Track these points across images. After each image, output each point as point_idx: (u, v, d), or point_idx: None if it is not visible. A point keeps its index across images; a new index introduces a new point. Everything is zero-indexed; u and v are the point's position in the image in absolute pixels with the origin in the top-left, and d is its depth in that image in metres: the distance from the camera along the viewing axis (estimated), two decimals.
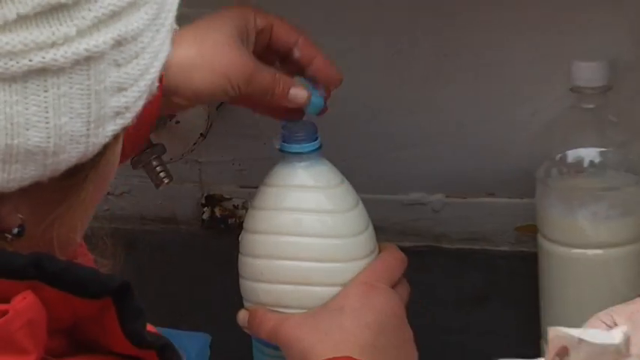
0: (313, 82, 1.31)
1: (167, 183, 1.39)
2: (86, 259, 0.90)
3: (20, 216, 0.77)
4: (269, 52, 1.32)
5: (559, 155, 1.40)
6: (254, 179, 1.36)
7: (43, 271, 0.75)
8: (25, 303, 0.74)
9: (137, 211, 1.60)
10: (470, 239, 1.62)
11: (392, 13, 1.50)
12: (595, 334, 0.94)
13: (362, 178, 1.38)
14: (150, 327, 0.84)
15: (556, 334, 0.93)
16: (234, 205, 1.56)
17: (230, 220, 1.50)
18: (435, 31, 1.50)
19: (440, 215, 1.62)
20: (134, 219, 1.61)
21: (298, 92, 1.30)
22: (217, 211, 1.62)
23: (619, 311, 1.00)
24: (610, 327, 0.98)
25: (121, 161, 1.26)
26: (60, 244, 0.81)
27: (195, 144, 1.41)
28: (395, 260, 1.33)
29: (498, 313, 1.51)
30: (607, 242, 1.38)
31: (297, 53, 1.31)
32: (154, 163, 1.36)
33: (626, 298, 1.31)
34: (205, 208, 1.64)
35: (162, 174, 1.37)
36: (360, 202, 1.33)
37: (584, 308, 1.32)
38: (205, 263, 1.46)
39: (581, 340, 0.92)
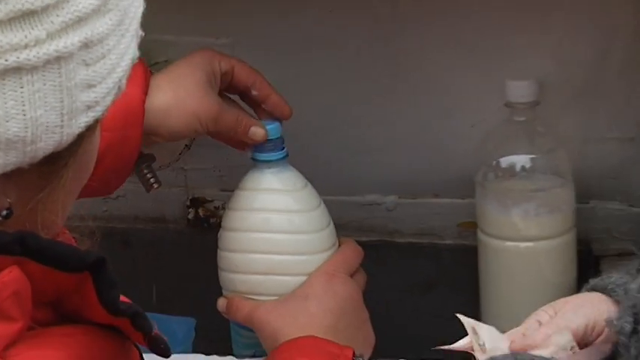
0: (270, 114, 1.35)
1: (156, 188, 1.39)
2: (66, 237, 0.89)
3: (8, 200, 0.77)
4: (231, 89, 1.35)
5: (495, 161, 1.43)
6: (232, 184, 1.37)
7: (28, 248, 0.76)
8: (11, 276, 0.75)
9: (131, 212, 1.59)
10: (419, 234, 1.63)
11: (352, 40, 1.49)
12: (486, 329, 0.97)
13: (324, 181, 1.39)
14: (123, 298, 0.83)
15: (465, 320, 0.96)
16: (215, 207, 1.57)
17: (212, 220, 1.51)
18: (388, 56, 1.51)
19: (393, 214, 1.63)
20: (128, 219, 1.61)
21: (257, 131, 1.32)
22: (201, 212, 1.62)
23: (563, 304, 1.01)
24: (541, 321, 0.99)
25: (103, 190, 1.29)
26: (44, 226, 0.81)
27: (180, 154, 1.41)
28: (353, 253, 1.34)
29: (444, 298, 1.53)
30: (536, 236, 1.41)
31: (254, 92, 1.33)
32: (145, 170, 1.37)
33: (553, 284, 1.38)
34: (190, 209, 1.64)
35: (152, 180, 1.38)
36: (322, 202, 1.35)
37: (518, 293, 1.39)
38: (190, 257, 1.47)
39: (478, 325, 0.95)
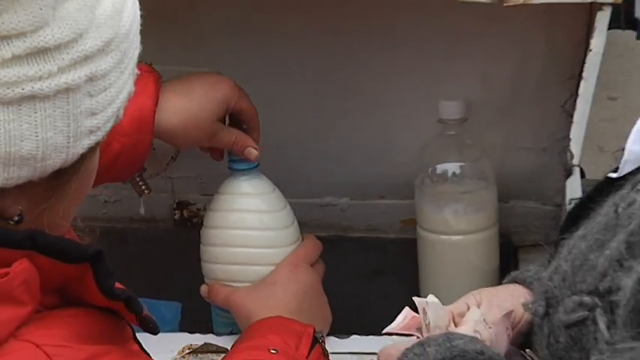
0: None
1: (147, 193, 1.39)
2: (70, 234, 0.88)
3: (19, 207, 0.77)
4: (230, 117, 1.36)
5: (430, 169, 1.44)
6: (212, 189, 1.38)
7: (36, 243, 0.76)
8: (21, 267, 0.75)
9: (126, 213, 1.58)
10: (368, 230, 1.64)
11: (313, 69, 1.50)
12: (435, 304, 0.96)
13: (289, 186, 1.39)
14: (118, 285, 0.83)
15: (417, 300, 0.95)
16: (197, 209, 1.57)
17: (194, 219, 1.52)
18: (340, 81, 1.52)
19: (346, 213, 1.64)
20: (124, 219, 1.61)
21: (251, 151, 1.32)
22: (185, 213, 1.62)
23: (485, 293, 1.00)
24: (476, 305, 0.98)
25: (119, 179, 1.31)
26: (49, 228, 0.80)
27: (167, 165, 1.40)
28: (313, 246, 1.36)
29: (389, 283, 1.55)
30: (465, 230, 1.44)
31: (244, 126, 1.34)
32: (138, 179, 1.37)
33: (479, 270, 1.42)
34: (176, 211, 1.63)
35: (143, 187, 1.38)
36: (287, 204, 1.36)
37: (451, 278, 1.42)
38: (177, 251, 1.48)
39: (427, 305, 0.94)
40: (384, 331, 1.00)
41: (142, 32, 0.85)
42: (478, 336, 0.91)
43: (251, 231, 1.35)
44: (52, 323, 0.78)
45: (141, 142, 1.27)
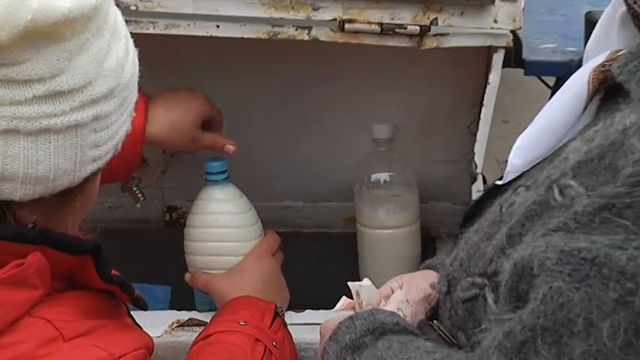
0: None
1: (143, 200, 1.40)
2: (75, 232, 0.87)
3: (34, 217, 0.76)
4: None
5: (366, 177, 1.44)
6: (193, 196, 1.38)
7: (46, 239, 0.76)
8: (34, 258, 0.74)
9: (126, 216, 1.58)
10: (317, 226, 1.64)
11: (272, 100, 1.52)
12: (367, 287, 0.95)
13: (255, 193, 1.38)
14: (114, 272, 0.83)
15: (351, 284, 0.95)
16: (183, 212, 1.55)
17: (181, 220, 1.49)
18: (295, 109, 1.53)
19: (300, 213, 1.65)
20: (125, 221, 1.60)
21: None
22: (174, 215, 1.62)
23: (406, 277, 0.99)
24: (398, 287, 0.97)
25: (115, 181, 1.32)
26: (62, 230, 0.81)
27: (158, 177, 1.41)
28: (274, 240, 1.35)
29: (336, 268, 1.55)
30: (394, 225, 1.44)
31: (213, 130, 1.36)
32: (134, 188, 1.38)
33: (405, 257, 1.42)
34: (167, 214, 1.63)
35: (139, 195, 1.39)
36: (253, 207, 1.36)
37: (383, 264, 1.42)
38: (167, 246, 1.45)
39: (360, 288, 0.94)
40: (333, 310, 0.99)
41: (139, 71, 0.84)
42: (401, 313, 0.90)
43: (223, 229, 1.34)
44: (60, 303, 0.77)
45: (133, 150, 1.24)
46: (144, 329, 0.89)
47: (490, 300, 0.72)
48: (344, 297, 0.97)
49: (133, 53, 0.82)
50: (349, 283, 0.96)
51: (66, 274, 0.81)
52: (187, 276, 1.36)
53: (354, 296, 0.95)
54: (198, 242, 1.36)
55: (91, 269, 0.80)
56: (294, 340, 1.23)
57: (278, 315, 1.21)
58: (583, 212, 0.61)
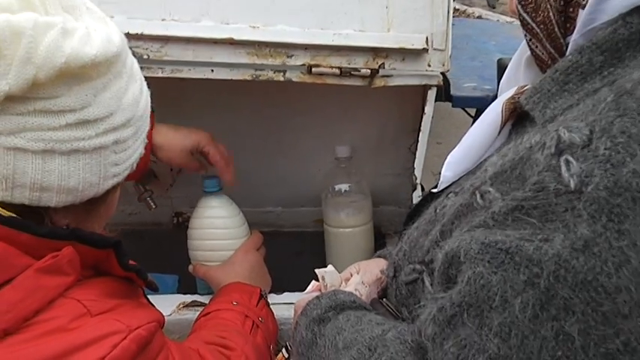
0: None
1: (154, 208, 1.40)
2: (101, 231, 0.87)
3: (67, 221, 0.77)
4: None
5: (330, 187, 1.44)
6: (194, 204, 1.36)
7: (76, 236, 0.75)
8: (67, 251, 0.74)
9: (142, 220, 1.57)
10: (294, 226, 1.63)
11: (256, 127, 1.50)
12: (330, 272, 0.94)
13: (243, 200, 1.37)
14: (132, 262, 0.83)
15: (318, 270, 0.95)
16: (187, 217, 1.52)
17: (185, 223, 1.45)
18: (275, 137, 1.53)
19: (280, 216, 1.64)
20: (141, 224, 1.58)
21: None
22: (180, 219, 1.61)
23: (362, 264, 0.98)
24: (356, 272, 0.96)
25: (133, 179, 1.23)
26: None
27: (167, 189, 1.39)
28: (258, 238, 1.34)
29: (308, 259, 1.52)
30: (353, 225, 1.44)
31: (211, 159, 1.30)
32: (148, 199, 1.37)
33: (362, 250, 1.41)
34: (175, 218, 1.62)
35: (152, 203, 1.38)
36: (241, 212, 1.35)
37: (344, 255, 1.42)
38: (175, 243, 1.42)
39: (325, 273, 0.94)
40: (303, 294, 0.98)
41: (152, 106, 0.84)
42: (358, 293, 0.90)
43: (218, 229, 1.34)
44: (89, 287, 0.77)
45: (143, 158, 1.19)
46: (156, 308, 0.89)
47: (427, 282, 0.71)
48: (313, 281, 0.96)
49: (146, 92, 0.82)
50: (316, 270, 0.95)
51: (93, 264, 0.80)
52: (190, 267, 1.35)
53: (320, 280, 0.94)
54: (198, 240, 1.35)
55: (113, 260, 0.80)
56: (275, 316, 1.23)
57: (262, 297, 1.21)
58: (499, 212, 0.60)
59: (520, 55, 0.78)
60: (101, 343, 0.71)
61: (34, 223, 0.73)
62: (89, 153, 0.73)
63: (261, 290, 1.22)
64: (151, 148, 1.23)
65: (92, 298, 0.76)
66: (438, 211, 0.76)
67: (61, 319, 0.71)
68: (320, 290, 0.94)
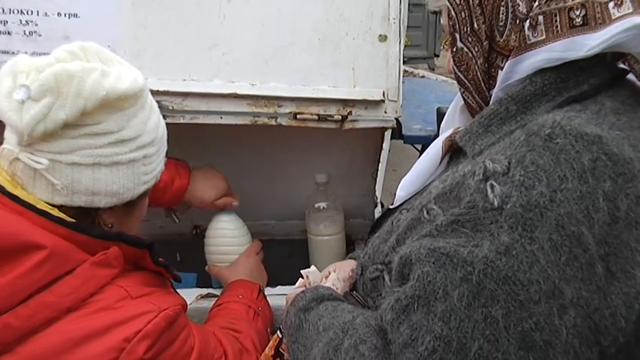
0: None
1: (178, 222, 1.35)
2: (138, 236, 0.85)
3: (111, 220, 0.77)
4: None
5: (312, 205, 1.42)
6: (210, 219, 1.33)
7: (120, 238, 0.76)
8: (114, 250, 0.75)
9: (169, 231, 1.50)
10: (285, 235, 1.62)
11: (256, 162, 1.49)
12: (313, 272, 0.92)
13: (247, 215, 1.35)
14: (162, 259, 0.83)
15: (303, 271, 0.93)
16: (203, 229, 1.40)
17: (203, 234, 1.37)
18: (267, 168, 1.51)
19: (274, 228, 1.61)
20: (169, 234, 1.54)
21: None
22: (198, 231, 1.58)
23: (337, 264, 0.95)
24: (333, 271, 0.92)
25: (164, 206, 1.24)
26: (127, 232, 0.81)
27: (187, 209, 1.32)
28: (258, 245, 1.31)
29: (296, 261, 1.46)
30: (330, 234, 1.41)
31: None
32: (173, 215, 1.33)
33: (337, 254, 1.39)
34: (194, 230, 1.59)
35: (175, 218, 1.34)
36: (245, 224, 1.33)
37: (323, 258, 1.38)
38: (194, 249, 1.38)
39: (308, 272, 0.92)
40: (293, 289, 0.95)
41: (174, 147, 0.84)
42: (334, 287, 0.88)
43: (227, 238, 1.31)
44: (130, 277, 0.77)
45: (177, 197, 1.20)
46: (181, 295, 0.88)
47: (387, 279, 0.70)
48: (300, 279, 0.94)
49: (162, 121, 0.82)
50: (302, 271, 0.94)
51: (133, 260, 0.80)
52: (207, 268, 1.33)
53: (305, 278, 0.93)
54: (212, 247, 1.33)
55: (147, 257, 0.80)
56: (270, 305, 1.20)
57: (261, 291, 1.19)
58: (441, 225, 0.60)
59: (455, 104, 0.78)
60: (139, 319, 0.72)
61: (89, 226, 0.74)
62: (126, 164, 0.73)
63: (260, 286, 1.20)
64: (184, 193, 1.20)
65: (132, 285, 0.76)
66: (393, 223, 0.75)
67: (108, 300, 0.72)
68: (305, 286, 0.92)
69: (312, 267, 0.95)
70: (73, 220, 0.71)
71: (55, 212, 0.71)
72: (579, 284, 0.53)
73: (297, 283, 0.94)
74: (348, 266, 0.95)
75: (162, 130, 0.81)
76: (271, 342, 0.93)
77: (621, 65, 0.67)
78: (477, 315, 0.54)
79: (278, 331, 0.94)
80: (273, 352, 0.90)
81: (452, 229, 0.58)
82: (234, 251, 1.30)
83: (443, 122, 0.81)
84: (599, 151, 0.54)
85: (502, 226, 0.55)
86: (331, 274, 0.93)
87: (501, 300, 0.54)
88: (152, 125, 0.77)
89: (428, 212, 0.64)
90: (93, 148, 0.70)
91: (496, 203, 0.56)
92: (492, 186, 0.57)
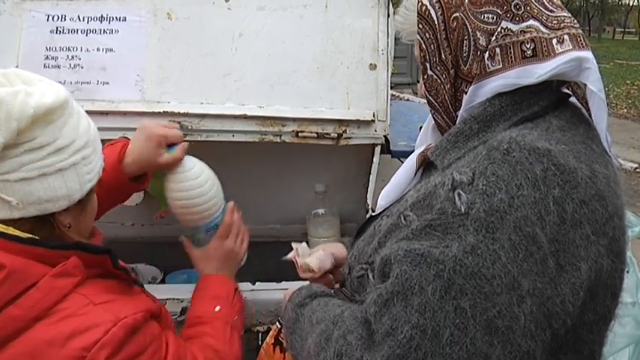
0: None
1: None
2: (98, 237, 0.80)
3: (68, 221, 0.72)
4: None
5: (312, 212, 1.42)
6: None
7: (80, 247, 0.72)
8: (73, 259, 0.70)
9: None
10: (281, 238, 1.53)
11: (263, 170, 1.45)
12: (302, 246, 0.90)
13: (254, 219, 1.25)
14: (122, 263, 0.76)
15: (294, 244, 0.92)
16: None
17: None
18: (274, 178, 1.47)
19: (279, 231, 1.57)
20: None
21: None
22: None
23: (325, 245, 0.94)
24: (321, 250, 0.90)
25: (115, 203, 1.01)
26: (85, 229, 0.77)
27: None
28: (227, 226, 1.02)
29: None
30: (327, 236, 1.41)
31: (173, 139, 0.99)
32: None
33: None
34: None
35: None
36: (210, 170, 0.99)
37: None
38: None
39: (298, 246, 0.90)
40: (284, 258, 0.92)
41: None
42: (318, 260, 0.86)
43: (191, 191, 0.97)
44: (93, 285, 0.72)
45: (119, 179, 0.96)
46: (152, 300, 0.80)
47: (370, 277, 0.69)
48: (292, 251, 0.92)
49: (91, 123, 0.76)
50: (293, 244, 0.90)
51: (97, 265, 0.74)
52: (179, 238, 1.03)
53: (294, 250, 0.91)
54: (177, 204, 0.97)
55: (109, 262, 0.75)
56: (273, 299, 1.11)
57: (236, 290, 0.99)
58: (415, 229, 0.60)
59: (428, 123, 0.79)
60: (97, 329, 0.68)
61: (46, 239, 0.70)
62: (68, 169, 0.71)
63: (235, 286, 0.99)
64: (122, 168, 0.96)
65: (94, 292, 0.72)
66: (375, 228, 0.74)
67: (72, 308, 0.69)
68: (295, 258, 0.90)
69: (303, 243, 0.93)
70: (29, 236, 0.69)
71: (11, 231, 0.68)
72: (534, 277, 0.55)
73: (290, 254, 0.92)
74: (334, 246, 0.94)
75: (94, 131, 0.76)
76: (271, 332, 0.89)
77: (565, 90, 0.69)
78: (448, 306, 0.55)
79: (277, 322, 0.90)
80: (273, 341, 0.87)
81: (425, 233, 0.58)
82: (203, 209, 0.96)
83: (417, 140, 0.81)
84: (548, 162, 0.56)
85: (468, 229, 0.55)
86: (320, 251, 0.91)
87: (469, 293, 0.54)
88: (83, 129, 0.73)
89: (405, 218, 0.64)
90: (35, 161, 0.68)
91: (463, 209, 0.56)
92: (459, 194, 0.57)
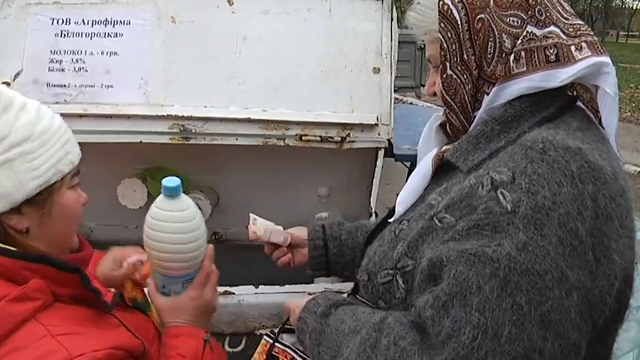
0: None
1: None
2: (88, 249, 0.72)
3: (24, 225, 0.65)
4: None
5: (316, 215, 1.40)
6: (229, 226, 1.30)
7: (48, 260, 0.64)
8: (33, 282, 0.63)
9: None
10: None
11: (267, 175, 1.43)
12: (260, 219, 0.87)
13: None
14: (96, 284, 0.70)
15: (251, 214, 0.88)
16: (221, 235, 1.40)
17: (221, 240, 1.34)
18: (279, 183, 1.46)
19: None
20: None
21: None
22: (217, 237, 1.48)
23: (292, 231, 0.90)
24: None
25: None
26: (53, 238, 0.67)
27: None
28: (205, 275, 0.79)
29: None
30: None
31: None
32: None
33: None
34: (214, 236, 1.48)
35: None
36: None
37: None
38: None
39: (254, 219, 0.85)
40: (250, 239, 0.90)
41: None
42: (267, 229, 0.86)
43: (169, 234, 0.76)
44: (58, 311, 0.65)
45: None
46: (131, 335, 0.69)
47: (400, 281, 0.67)
48: (254, 219, 0.90)
49: (45, 117, 0.68)
50: (250, 214, 0.89)
51: (66, 284, 0.66)
52: (148, 280, 0.82)
53: (252, 220, 0.87)
54: (152, 246, 0.77)
55: (78, 282, 0.66)
56: (276, 302, 1.09)
57: (207, 342, 0.75)
58: (462, 229, 0.60)
59: (431, 124, 0.78)
60: None
61: (4, 249, 0.63)
62: (8, 164, 0.64)
63: (205, 336, 0.76)
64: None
65: (57, 322, 0.63)
66: (396, 233, 0.71)
67: (26, 340, 0.61)
68: (248, 226, 0.88)
69: (260, 218, 0.91)
70: None
71: None
72: (578, 270, 0.57)
73: (250, 227, 0.89)
74: (295, 229, 0.97)
75: (43, 126, 0.67)
76: (260, 347, 0.82)
77: (569, 93, 0.71)
78: (505, 304, 0.55)
79: (266, 337, 0.83)
80: (265, 357, 0.81)
81: (473, 233, 0.59)
82: (192, 256, 0.75)
83: (420, 144, 0.79)
84: (581, 160, 0.59)
85: (518, 227, 0.56)
86: (272, 224, 0.89)
87: (524, 289, 0.55)
88: (22, 123, 0.66)
89: (440, 221, 0.63)
90: None
91: (509, 207, 0.57)
92: (503, 194, 0.58)
